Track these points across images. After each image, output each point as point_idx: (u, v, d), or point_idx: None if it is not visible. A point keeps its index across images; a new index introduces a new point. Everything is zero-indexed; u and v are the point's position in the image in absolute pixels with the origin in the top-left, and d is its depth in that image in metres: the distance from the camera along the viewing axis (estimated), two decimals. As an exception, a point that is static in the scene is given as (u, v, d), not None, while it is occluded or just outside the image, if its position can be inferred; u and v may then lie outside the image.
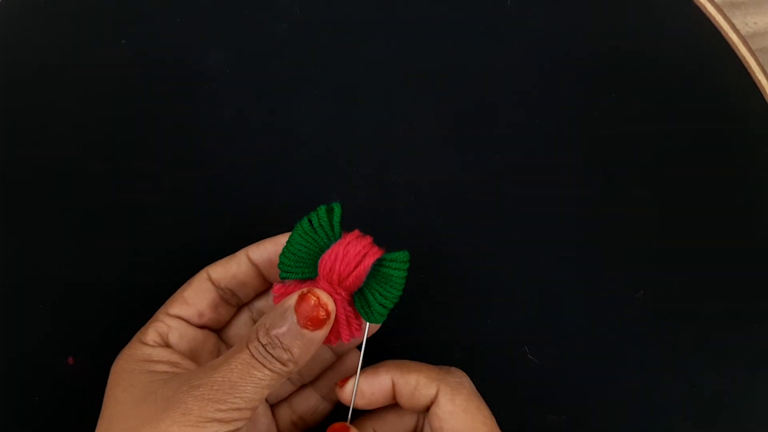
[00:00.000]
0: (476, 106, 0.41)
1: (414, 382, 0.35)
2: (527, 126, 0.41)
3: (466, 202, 0.41)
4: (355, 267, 0.33)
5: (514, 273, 0.40)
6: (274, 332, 0.32)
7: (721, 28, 0.41)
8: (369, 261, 0.33)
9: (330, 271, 0.33)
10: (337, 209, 0.33)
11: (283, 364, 0.32)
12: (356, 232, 0.33)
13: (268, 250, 0.35)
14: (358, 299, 0.33)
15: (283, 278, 0.33)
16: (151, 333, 0.35)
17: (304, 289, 0.32)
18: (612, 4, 0.41)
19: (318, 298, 0.32)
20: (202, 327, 0.36)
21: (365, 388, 0.35)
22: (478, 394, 0.35)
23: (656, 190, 0.41)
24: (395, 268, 0.33)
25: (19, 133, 0.40)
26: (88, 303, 0.40)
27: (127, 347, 0.35)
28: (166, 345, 0.35)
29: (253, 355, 0.31)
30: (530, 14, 0.41)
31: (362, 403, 0.35)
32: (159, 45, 0.41)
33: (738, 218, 0.41)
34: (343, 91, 0.41)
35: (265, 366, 0.31)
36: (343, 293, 0.33)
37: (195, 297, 0.35)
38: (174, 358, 0.34)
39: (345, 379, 0.35)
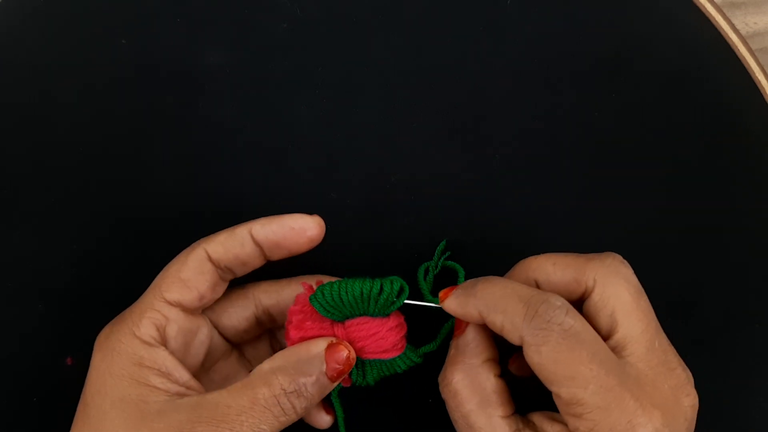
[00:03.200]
0: (476, 105, 0.41)
1: (499, 324, 0.31)
2: (527, 126, 0.41)
3: (466, 201, 0.41)
4: (381, 352, 0.33)
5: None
6: (302, 380, 0.30)
7: (721, 28, 0.41)
8: (394, 354, 0.33)
9: (358, 338, 0.32)
10: (404, 294, 0.33)
11: (296, 415, 0.30)
12: (401, 318, 0.34)
13: (275, 232, 0.33)
14: (356, 365, 0.33)
15: (313, 305, 0.32)
16: (147, 325, 0.31)
17: (333, 339, 0.31)
18: (612, 4, 0.41)
19: (349, 351, 0.31)
20: (195, 309, 0.33)
21: (457, 312, 0.32)
22: (575, 334, 0.29)
23: (656, 189, 0.41)
24: (407, 364, 0.34)
25: (19, 132, 0.40)
26: (87, 303, 0.40)
27: (115, 336, 0.31)
28: (162, 343, 0.31)
29: (268, 408, 0.29)
30: (530, 14, 0.41)
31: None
32: (159, 45, 0.41)
33: (738, 218, 0.41)
34: (343, 91, 0.41)
35: (277, 419, 0.29)
36: None
37: (195, 279, 0.32)
38: (168, 365, 0.30)
39: (447, 291, 0.33)
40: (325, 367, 0.30)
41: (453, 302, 0.32)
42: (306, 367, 0.30)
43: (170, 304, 0.31)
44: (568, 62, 0.41)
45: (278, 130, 0.41)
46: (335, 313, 0.33)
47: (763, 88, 0.41)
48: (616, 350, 0.30)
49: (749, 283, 0.41)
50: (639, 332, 0.31)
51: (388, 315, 0.34)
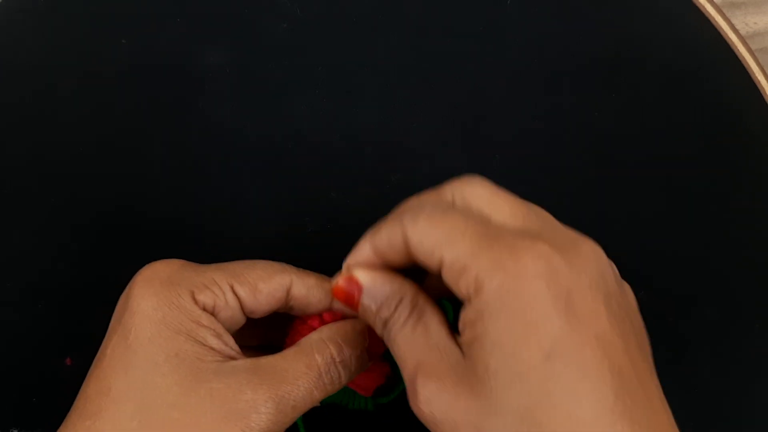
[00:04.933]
0: (476, 106, 0.41)
1: (385, 235, 0.30)
2: (527, 126, 0.41)
3: (466, 202, 0.41)
4: (357, 384, 0.34)
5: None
6: (349, 352, 0.31)
7: (721, 28, 0.41)
8: (363, 392, 0.35)
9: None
10: None
11: (339, 385, 0.31)
12: (388, 372, 0.35)
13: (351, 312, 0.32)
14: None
15: None
16: (207, 296, 0.30)
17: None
18: (612, 4, 0.41)
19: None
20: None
21: (363, 255, 0.31)
22: (451, 209, 0.28)
23: (656, 189, 0.41)
24: (360, 405, 0.35)
25: (19, 132, 0.40)
26: (87, 303, 0.40)
27: (174, 290, 0.30)
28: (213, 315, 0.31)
29: (321, 374, 0.30)
30: (530, 14, 0.41)
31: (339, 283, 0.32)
32: (159, 45, 0.41)
33: (738, 218, 0.41)
34: (343, 91, 0.41)
35: (326, 387, 0.30)
36: None
37: (266, 296, 0.31)
38: (220, 329, 0.30)
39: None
40: (367, 343, 0.32)
41: (356, 254, 0.31)
42: (353, 341, 0.31)
43: (235, 294, 0.31)
44: (568, 62, 0.41)
45: (278, 130, 0.41)
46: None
47: (763, 88, 0.41)
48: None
49: (749, 283, 0.41)
50: (508, 212, 0.30)
51: (387, 361, 0.35)
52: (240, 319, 0.32)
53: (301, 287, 0.32)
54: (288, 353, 0.30)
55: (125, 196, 0.40)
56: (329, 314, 0.34)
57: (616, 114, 0.41)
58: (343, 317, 0.33)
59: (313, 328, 0.33)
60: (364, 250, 0.31)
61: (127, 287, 0.31)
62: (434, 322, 0.30)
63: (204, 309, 0.30)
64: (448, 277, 0.28)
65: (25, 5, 0.41)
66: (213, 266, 0.32)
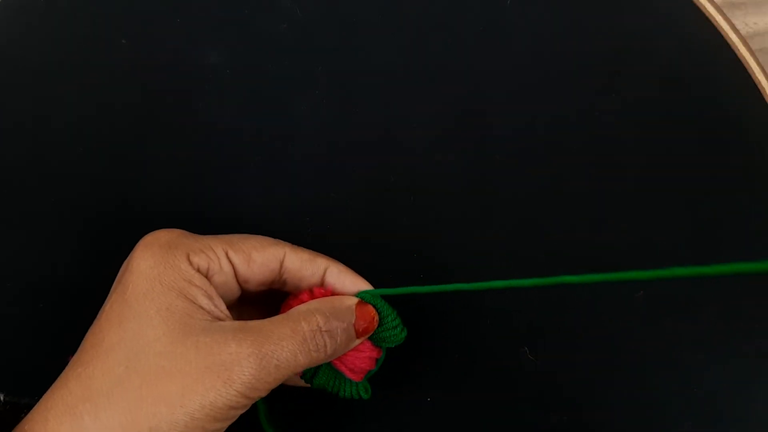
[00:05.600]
0: (476, 105, 0.41)
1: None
2: (527, 126, 0.41)
3: (466, 201, 0.41)
4: (349, 368, 0.36)
5: (514, 273, 0.40)
6: (335, 324, 0.32)
7: (721, 28, 0.41)
8: (355, 377, 0.36)
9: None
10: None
11: (324, 355, 0.32)
12: (380, 356, 0.36)
13: (345, 286, 0.35)
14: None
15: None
16: (202, 260, 0.32)
17: (360, 300, 0.34)
18: (612, 3, 0.41)
19: (375, 314, 0.34)
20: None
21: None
22: None
23: (656, 189, 0.41)
24: (351, 392, 0.36)
25: (19, 132, 0.40)
26: (87, 303, 0.40)
27: (172, 252, 0.32)
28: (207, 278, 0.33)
29: (306, 340, 0.31)
30: (530, 14, 0.41)
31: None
32: (159, 45, 0.41)
33: (738, 218, 0.41)
34: (343, 91, 0.41)
35: (310, 353, 0.31)
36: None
37: (259, 266, 0.33)
38: (211, 291, 0.32)
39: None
40: (354, 318, 0.33)
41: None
42: (340, 314, 0.33)
43: (229, 260, 0.33)
44: (568, 62, 0.41)
45: (278, 131, 0.41)
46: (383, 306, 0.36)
47: (763, 88, 0.41)
48: None
49: (749, 284, 0.41)
50: None
51: (380, 347, 0.36)
52: (234, 287, 0.33)
53: (294, 260, 0.34)
54: (276, 318, 0.32)
55: (125, 195, 0.40)
56: (320, 290, 0.35)
57: (616, 114, 0.41)
58: (333, 294, 0.35)
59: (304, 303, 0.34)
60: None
61: (132, 251, 0.33)
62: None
63: (198, 270, 0.32)
64: None
65: (25, 5, 0.41)
66: (211, 235, 0.34)
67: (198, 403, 0.29)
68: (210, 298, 0.32)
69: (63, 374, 0.32)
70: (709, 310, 0.41)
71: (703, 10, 0.41)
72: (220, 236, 0.34)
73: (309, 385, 0.36)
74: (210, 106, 0.41)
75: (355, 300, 0.34)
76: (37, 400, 0.32)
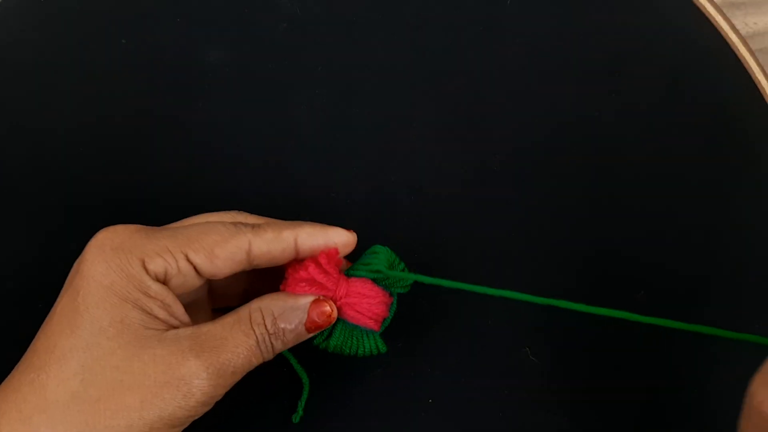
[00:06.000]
0: (476, 105, 0.41)
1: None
2: (527, 126, 0.41)
3: (466, 201, 0.41)
4: (365, 315, 0.35)
5: (514, 273, 0.40)
6: (282, 325, 0.32)
7: (721, 28, 0.41)
8: (373, 325, 0.35)
9: (355, 293, 0.35)
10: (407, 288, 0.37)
11: (273, 354, 0.32)
12: (391, 302, 0.36)
13: (319, 243, 0.34)
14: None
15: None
16: (158, 265, 0.31)
17: (320, 296, 0.34)
18: (612, 4, 0.41)
19: (332, 310, 0.33)
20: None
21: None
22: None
23: (656, 189, 0.41)
24: (370, 348, 0.36)
25: (19, 132, 0.40)
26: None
27: (125, 256, 0.31)
28: (165, 283, 0.32)
29: (258, 343, 0.31)
30: (530, 14, 0.41)
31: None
32: (159, 45, 0.41)
33: (738, 218, 0.41)
34: (343, 91, 0.41)
35: (262, 355, 0.32)
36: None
37: (224, 261, 0.32)
38: (169, 299, 0.31)
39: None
40: (305, 318, 0.33)
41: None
42: (289, 315, 0.32)
43: (189, 262, 0.32)
44: (568, 62, 0.41)
45: (278, 130, 0.41)
46: (361, 269, 0.35)
47: (763, 88, 0.41)
48: None
49: (749, 283, 0.41)
50: None
51: (390, 293, 0.36)
52: (196, 282, 0.33)
53: (260, 245, 0.33)
54: (227, 321, 0.31)
55: (125, 195, 0.40)
56: (324, 255, 0.34)
57: (616, 114, 0.41)
58: (335, 252, 0.34)
59: (308, 271, 0.34)
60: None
61: (83, 251, 0.32)
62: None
63: (156, 277, 0.31)
64: None
65: (25, 5, 0.41)
66: (168, 231, 0.32)
67: (157, 415, 0.29)
68: (166, 307, 0.31)
69: (13, 376, 0.31)
70: (709, 310, 0.41)
71: (703, 10, 0.41)
72: (178, 231, 0.32)
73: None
74: (210, 106, 0.41)
75: (310, 299, 0.33)
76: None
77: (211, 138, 0.41)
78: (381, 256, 0.36)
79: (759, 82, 0.41)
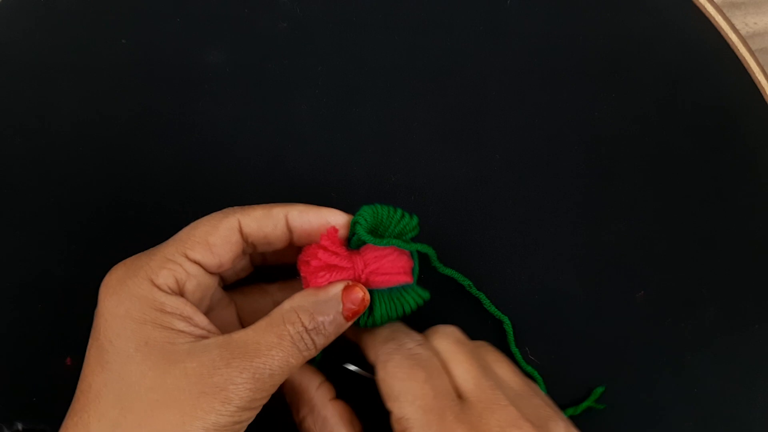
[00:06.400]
0: (476, 105, 0.41)
1: (364, 343, 0.35)
2: (527, 126, 0.41)
3: (466, 201, 0.41)
4: (394, 274, 0.35)
5: (514, 273, 0.40)
6: (321, 319, 0.31)
7: (721, 28, 0.41)
8: (405, 279, 0.35)
9: (375, 259, 0.34)
10: (417, 228, 0.36)
11: (315, 351, 0.32)
12: (408, 253, 0.36)
13: (311, 222, 0.33)
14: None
15: (357, 228, 0.34)
16: (167, 276, 0.31)
17: (349, 282, 0.33)
18: (612, 4, 0.41)
19: (364, 293, 0.33)
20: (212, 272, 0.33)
21: (348, 334, 0.35)
22: (417, 357, 0.32)
23: (656, 190, 0.41)
24: (415, 300, 0.36)
25: (19, 132, 0.40)
26: (87, 303, 0.40)
27: (132, 282, 0.31)
28: (180, 294, 0.31)
29: (294, 343, 0.31)
30: (530, 14, 0.41)
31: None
32: (159, 45, 0.41)
33: (738, 218, 0.41)
34: (343, 91, 0.41)
35: (301, 353, 0.31)
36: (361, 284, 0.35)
37: (221, 247, 0.32)
38: (188, 311, 0.31)
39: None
40: (341, 307, 0.32)
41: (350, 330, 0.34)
42: (324, 308, 0.32)
43: (191, 261, 0.32)
44: (568, 62, 0.41)
45: (278, 130, 0.41)
46: (366, 227, 0.35)
47: (763, 88, 0.41)
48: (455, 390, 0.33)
49: (749, 284, 0.41)
50: (464, 372, 0.33)
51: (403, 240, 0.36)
52: (210, 282, 0.32)
53: (249, 222, 0.33)
54: (260, 325, 0.31)
55: (125, 195, 0.40)
56: (325, 238, 0.34)
57: (616, 113, 0.41)
58: (335, 231, 0.34)
59: (319, 259, 0.34)
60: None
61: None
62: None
63: (169, 290, 0.31)
64: (392, 422, 0.32)
65: (25, 5, 0.41)
66: (165, 243, 0.32)
67: (200, 426, 0.29)
68: (187, 319, 0.31)
69: (63, 425, 0.31)
70: (709, 310, 0.41)
71: (703, 10, 0.41)
72: (170, 241, 0.32)
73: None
74: (210, 106, 0.41)
75: (340, 288, 0.33)
76: (54, 428, 0.32)
77: (211, 138, 0.41)
78: (367, 216, 0.35)
79: (759, 82, 0.41)
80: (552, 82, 0.41)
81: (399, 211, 0.36)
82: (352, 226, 0.35)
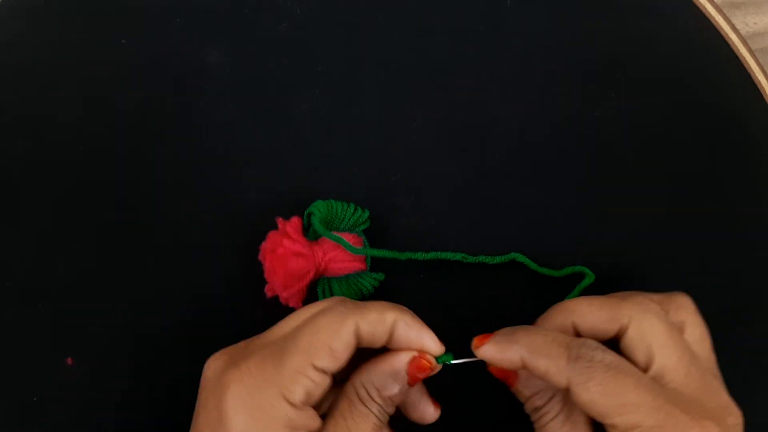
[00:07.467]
0: (476, 105, 0.41)
1: (543, 368, 0.32)
2: (527, 126, 0.41)
3: (466, 201, 0.41)
4: (349, 261, 0.38)
5: (514, 273, 0.40)
6: (387, 394, 0.33)
7: (721, 28, 0.41)
8: (360, 266, 0.39)
9: (332, 248, 0.38)
10: (368, 221, 0.40)
11: (392, 411, 0.33)
12: (362, 238, 0.39)
13: (410, 339, 0.34)
14: (324, 286, 0.39)
15: (312, 220, 0.38)
16: (299, 392, 0.32)
17: (415, 353, 0.34)
18: (612, 4, 0.41)
19: (429, 362, 0.34)
20: None
21: (495, 357, 0.34)
22: (616, 367, 0.32)
23: (656, 189, 0.41)
24: (371, 283, 0.39)
25: (19, 132, 0.40)
26: (87, 303, 0.40)
27: (265, 397, 0.32)
28: (309, 404, 0.33)
29: (377, 416, 0.33)
30: (530, 14, 0.41)
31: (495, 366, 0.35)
32: (159, 45, 0.41)
33: (738, 218, 0.41)
34: (343, 91, 0.41)
35: (381, 418, 0.33)
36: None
37: (342, 351, 0.32)
38: (311, 422, 0.32)
39: (483, 337, 0.34)
40: (407, 380, 0.34)
41: (492, 349, 0.34)
42: (391, 385, 0.33)
43: (318, 370, 0.32)
44: (569, 63, 0.41)
45: (278, 130, 0.41)
46: (320, 218, 0.38)
47: (763, 88, 0.41)
48: (655, 380, 0.32)
49: (749, 284, 0.41)
50: (675, 361, 0.33)
51: (356, 234, 0.39)
52: (329, 381, 0.33)
53: (365, 326, 0.33)
54: (343, 408, 0.33)
55: (125, 195, 0.40)
56: (290, 225, 0.38)
57: (616, 114, 0.41)
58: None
59: (285, 247, 0.37)
60: (513, 354, 0.33)
61: (213, 383, 0.32)
62: (581, 422, 0.33)
63: (300, 406, 0.32)
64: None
65: (25, 5, 0.41)
66: (288, 350, 0.32)
67: None
68: (308, 429, 0.32)
69: None
70: (709, 310, 0.41)
71: (703, 10, 0.41)
72: (293, 349, 0.32)
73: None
74: (210, 106, 0.41)
75: (405, 359, 0.34)
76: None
77: (210, 137, 0.41)
78: (321, 208, 0.38)
79: (759, 82, 0.41)
80: (552, 82, 0.41)
81: (352, 206, 0.39)
82: (307, 217, 0.39)
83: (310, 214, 0.39)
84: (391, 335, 0.34)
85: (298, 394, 0.31)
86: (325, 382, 0.32)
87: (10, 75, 0.41)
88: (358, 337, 0.33)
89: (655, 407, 0.31)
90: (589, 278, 0.39)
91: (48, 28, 0.41)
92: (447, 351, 0.34)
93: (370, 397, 0.33)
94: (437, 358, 0.34)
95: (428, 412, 0.36)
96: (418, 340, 0.34)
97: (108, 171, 0.40)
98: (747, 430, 0.36)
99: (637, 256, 0.41)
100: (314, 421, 0.32)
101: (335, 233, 0.38)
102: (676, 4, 0.41)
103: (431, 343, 0.34)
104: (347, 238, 0.38)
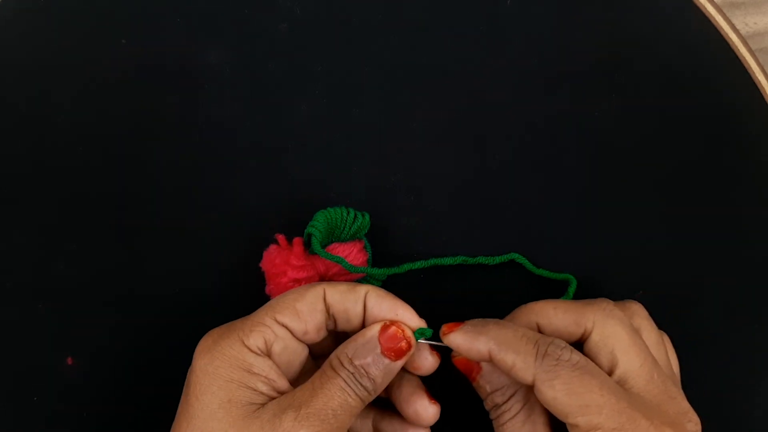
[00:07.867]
0: (476, 105, 0.41)
1: (510, 363, 0.33)
2: (527, 126, 0.41)
3: (466, 201, 0.41)
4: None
5: (514, 273, 0.40)
6: (358, 363, 0.33)
7: (721, 28, 0.41)
8: (362, 274, 0.38)
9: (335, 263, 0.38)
10: (368, 225, 0.39)
11: (367, 392, 0.33)
12: (362, 243, 0.39)
13: (383, 309, 0.35)
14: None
15: (312, 232, 0.37)
16: (257, 338, 0.33)
17: (386, 320, 0.34)
18: (612, 4, 0.41)
19: (402, 330, 0.34)
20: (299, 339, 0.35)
21: (462, 346, 0.34)
22: (582, 367, 0.32)
23: (656, 189, 0.41)
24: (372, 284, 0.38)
25: (19, 132, 0.40)
26: (87, 303, 0.40)
27: (225, 342, 0.33)
28: (267, 355, 0.34)
29: (346, 383, 0.33)
30: (530, 14, 0.41)
31: (460, 356, 0.35)
32: (159, 45, 0.41)
33: (738, 218, 0.41)
34: (343, 91, 0.41)
35: (357, 393, 0.33)
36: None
37: (308, 314, 0.34)
38: (272, 374, 0.33)
39: (452, 325, 0.35)
40: (379, 348, 0.34)
41: (460, 337, 0.34)
42: (361, 352, 0.33)
43: (280, 324, 0.34)
44: (568, 62, 0.41)
45: (278, 130, 0.41)
46: (320, 238, 0.37)
47: (763, 88, 0.41)
48: (618, 384, 0.33)
49: (749, 283, 0.41)
50: (638, 366, 0.33)
51: (357, 239, 0.39)
52: (297, 347, 0.35)
53: (333, 293, 0.35)
54: (314, 376, 0.33)
55: (125, 195, 0.40)
56: (292, 255, 0.37)
57: (616, 114, 0.41)
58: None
59: (289, 276, 0.37)
60: (481, 345, 0.33)
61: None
62: (540, 423, 0.34)
63: (258, 351, 0.33)
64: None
65: (25, 5, 0.41)
66: (260, 309, 0.34)
67: None
68: (270, 382, 0.33)
69: None
70: (709, 310, 0.41)
71: (703, 10, 0.41)
72: (262, 307, 0.35)
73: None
74: (210, 106, 0.41)
75: (376, 328, 0.34)
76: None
77: (210, 138, 0.41)
78: (320, 226, 0.37)
79: (759, 82, 0.41)
80: (552, 82, 0.41)
81: (352, 213, 0.38)
82: (307, 237, 0.38)
83: (310, 235, 0.38)
84: (365, 306, 0.35)
85: (253, 339, 0.33)
86: (288, 338, 0.34)
87: (10, 75, 0.41)
88: (327, 303, 0.34)
89: (618, 410, 0.31)
90: (573, 285, 0.39)
91: (48, 28, 0.41)
92: (435, 333, 0.35)
93: (341, 363, 0.33)
94: (415, 333, 0.34)
95: (422, 405, 0.35)
96: (392, 309, 0.35)
97: (108, 171, 0.40)
98: (749, 429, 0.36)
99: (636, 254, 0.41)
100: (275, 373, 0.33)
101: (337, 244, 0.38)
102: (676, 3, 0.41)
103: (405, 314, 0.35)
104: (349, 246, 0.38)
